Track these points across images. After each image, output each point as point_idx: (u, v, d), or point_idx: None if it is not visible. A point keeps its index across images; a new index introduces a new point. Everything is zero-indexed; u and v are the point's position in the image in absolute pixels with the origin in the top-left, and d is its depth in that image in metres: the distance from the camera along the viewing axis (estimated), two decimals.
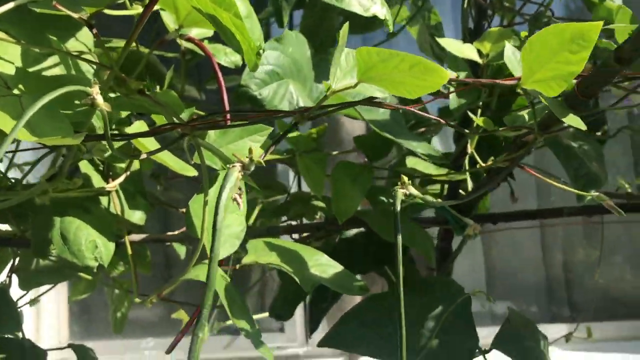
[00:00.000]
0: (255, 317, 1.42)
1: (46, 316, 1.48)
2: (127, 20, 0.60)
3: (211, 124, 0.50)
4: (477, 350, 0.66)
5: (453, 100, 0.69)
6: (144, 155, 0.44)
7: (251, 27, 0.37)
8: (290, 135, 0.68)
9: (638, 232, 1.62)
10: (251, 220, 0.89)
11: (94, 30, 0.46)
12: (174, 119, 0.46)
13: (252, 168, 0.36)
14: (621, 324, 1.55)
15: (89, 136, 0.42)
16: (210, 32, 0.67)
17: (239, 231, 0.56)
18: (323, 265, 0.56)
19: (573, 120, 0.44)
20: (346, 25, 0.41)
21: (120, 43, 0.72)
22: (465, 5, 0.77)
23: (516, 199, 0.93)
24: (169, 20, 0.62)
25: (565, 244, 1.62)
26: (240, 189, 0.35)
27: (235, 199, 0.34)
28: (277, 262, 0.53)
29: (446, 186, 0.79)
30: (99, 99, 0.35)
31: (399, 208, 0.41)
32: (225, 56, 0.69)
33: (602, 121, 0.86)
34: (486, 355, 0.67)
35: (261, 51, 0.38)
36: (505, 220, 0.77)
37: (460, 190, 0.76)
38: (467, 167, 0.71)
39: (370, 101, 0.45)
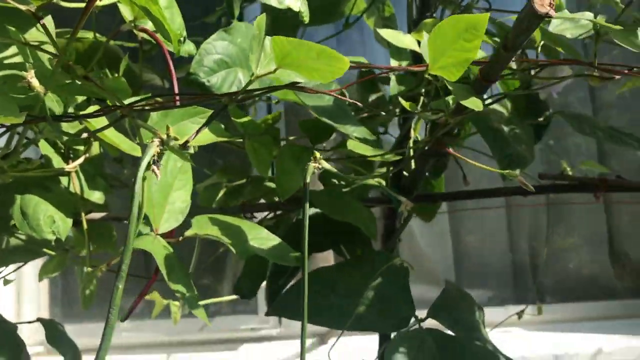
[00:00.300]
0: (225, 298, 1.47)
1: (26, 299, 1.52)
2: (110, 13, 0.65)
3: (156, 106, 0.55)
4: (414, 319, 0.72)
5: (393, 87, 0.74)
6: (85, 135, 0.48)
7: (171, 17, 0.42)
8: (241, 120, 0.72)
9: (600, 216, 1.68)
10: (215, 203, 0.94)
11: (42, 22, 0.50)
12: (116, 102, 0.51)
13: (173, 144, 0.41)
14: (585, 305, 1.61)
15: (31, 116, 0.47)
16: None
17: (183, 207, 0.61)
18: (262, 239, 0.61)
19: (472, 103, 0.49)
20: (263, 16, 0.45)
21: (87, 34, 0.77)
22: (409, 2, 0.81)
23: (468, 182, 0.98)
24: (126, 12, 0.67)
25: (531, 229, 1.68)
26: (158, 161, 0.39)
27: (154, 170, 0.39)
28: (218, 235, 0.58)
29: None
30: (34, 82, 0.40)
31: (308, 180, 0.46)
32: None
33: (545, 108, 0.91)
34: None
35: (182, 39, 0.42)
36: (443, 199, 0.82)
37: (404, 172, 0.81)
38: (407, 150, 0.76)
39: (292, 86, 0.50)
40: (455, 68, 0.48)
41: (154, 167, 0.39)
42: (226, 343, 1.49)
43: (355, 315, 0.69)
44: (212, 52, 0.67)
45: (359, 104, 0.61)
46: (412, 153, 0.71)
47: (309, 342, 1.47)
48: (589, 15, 0.51)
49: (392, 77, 0.75)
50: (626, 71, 0.53)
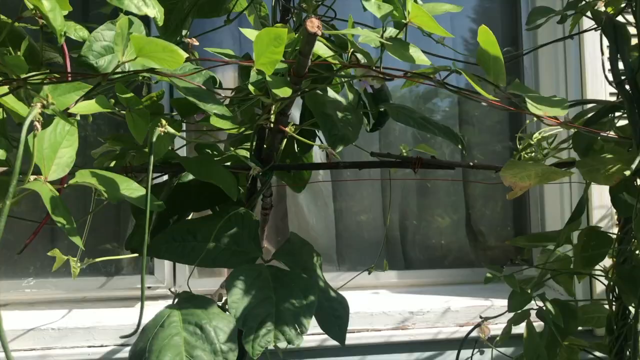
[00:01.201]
0: (121, 257, 1.61)
1: None
2: None
3: (52, 80, 0.70)
4: (261, 259, 0.91)
5: (252, 76, 0.92)
6: None
7: (54, 17, 0.58)
8: (124, 95, 0.89)
9: (460, 198, 1.95)
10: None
11: None
12: (13, 75, 0.66)
13: (53, 108, 0.57)
14: (441, 272, 1.88)
15: None
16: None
17: (69, 162, 0.77)
18: (132, 189, 0.78)
19: (282, 92, 0.68)
20: (125, 19, 0.62)
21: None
22: (273, 4, 1.00)
23: (333, 156, 1.18)
24: (27, 1, 0.81)
25: (402, 207, 1.93)
26: (39, 120, 0.56)
27: (35, 126, 0.55)
28: (95, 183, 0.75)
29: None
30: None
31: (154, 139, 0.64)
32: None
33: (386, 98, 1.12)
34: None
35: (62, 33, 0.58)
36: (297, 169, 1.02)
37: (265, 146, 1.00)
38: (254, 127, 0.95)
39: (151, 70, 0.67)
40: (270, 65, 0.67)
41: (36, 123, 0.55)
42: (124, 300, 1.64)
43: (210, 255, 0.87)
44: (100, 40, 0.83)
45: (223, 90, 0.79)
46: (254, 129, 0.90)
47: None
48: (374, 32, 0.72)
49: (253, 69, 0.93)
50: (402, 75, 0.74)
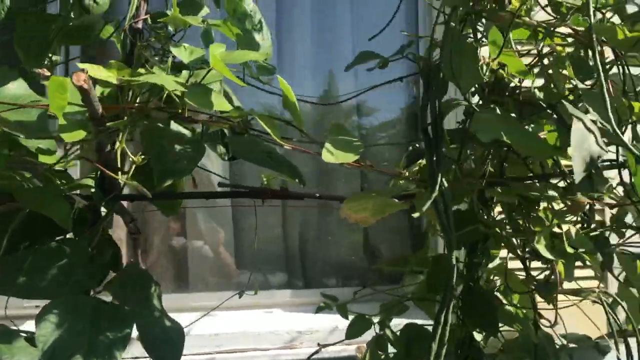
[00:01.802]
0: None
1: None
2: None
3: None
4: (96, 286, 0.93)
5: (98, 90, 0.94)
6: None
7: None
8: None
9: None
10: None
11: None
12: None
13: None
14: (340, 290, 1.92)
15: None
16: None
17: None
18: None
19: (71, 136, 0.70)
20: None
21: None
22: (122, 36, 1.02)
23: (196, 185, 1.20)
24: None
25: (303, 223, 1.97)
26: None
27: None
28: None
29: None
30: None
31: None
32: None
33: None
34: None
35: None
36: (139, 199, 1.04)
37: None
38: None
39: None
40: (58, 110, 0.69)
41: None
42: None
43: (35, 287, 0.88)
44: None
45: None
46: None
47: None
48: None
49: None
50: (207, 118, 0.77)
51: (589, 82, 0.93)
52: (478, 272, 1.16)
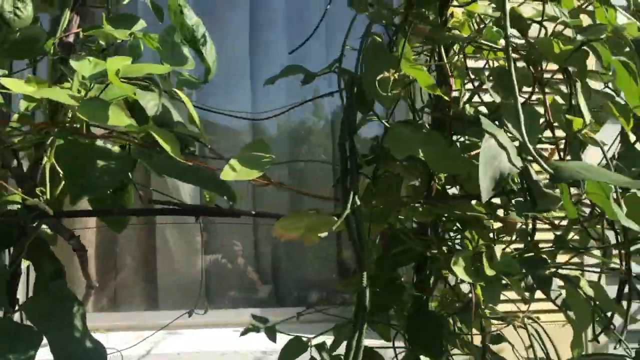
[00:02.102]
0: None
1: None
2: None
3: None
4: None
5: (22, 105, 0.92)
6: None
7: None
8: None
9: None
10: None
11: None
12: None
13: None
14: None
15: None
16: None
17: None
18: None
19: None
20: None
21: None
22: (51, 51, 1.00)
23: (147, 200, 1.18)
24: None
25: (276, 243, 1.94)
26: None
27: None
28: None
29: None
30: None
31: None
32: None
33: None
34: None
35: None
36: (67, 216, 1.02)
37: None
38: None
39: None
40: None
41: None
42: None
43: None
44: None
45: None
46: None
47: None
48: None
49: None
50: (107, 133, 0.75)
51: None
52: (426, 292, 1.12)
